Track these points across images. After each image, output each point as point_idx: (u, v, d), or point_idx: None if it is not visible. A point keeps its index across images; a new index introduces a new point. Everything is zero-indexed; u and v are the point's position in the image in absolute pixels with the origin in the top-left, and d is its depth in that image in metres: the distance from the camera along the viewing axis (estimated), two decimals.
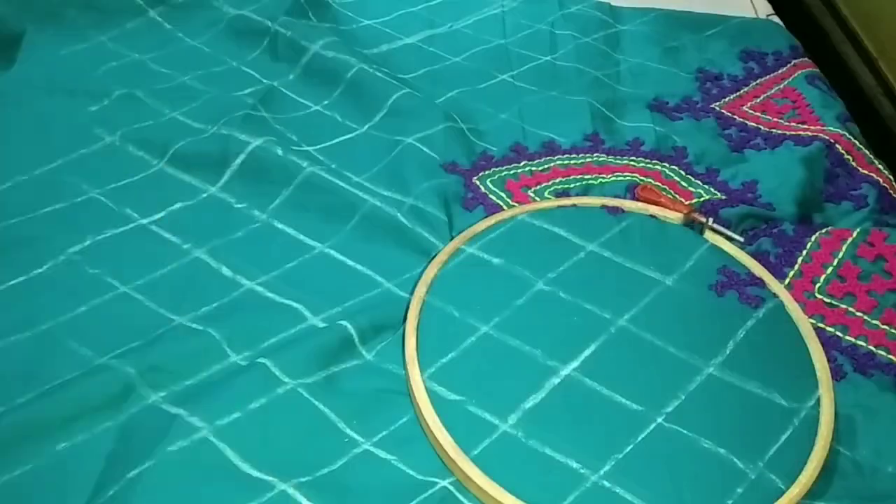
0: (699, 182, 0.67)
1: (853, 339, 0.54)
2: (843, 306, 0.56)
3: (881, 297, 0.56)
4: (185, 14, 0.81)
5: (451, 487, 0.46)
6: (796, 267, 0.59)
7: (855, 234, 0.60)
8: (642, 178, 0.66)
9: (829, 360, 0.53)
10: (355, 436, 0.48)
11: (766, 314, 0.56)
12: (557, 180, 0.66)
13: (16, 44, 0.73)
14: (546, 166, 0.68)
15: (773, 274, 0.58)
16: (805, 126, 0.72)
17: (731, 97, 0.77)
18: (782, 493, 0.46)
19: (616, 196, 0.65)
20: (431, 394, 0.49)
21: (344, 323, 0.52)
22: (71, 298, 0.53)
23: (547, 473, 0.47)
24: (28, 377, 0.48)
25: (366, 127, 0.71)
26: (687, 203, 0.64)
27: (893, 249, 0.59)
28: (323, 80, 0.75)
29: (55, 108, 0.67)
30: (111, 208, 0.60)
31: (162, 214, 0.60)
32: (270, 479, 0.44)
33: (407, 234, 0.60)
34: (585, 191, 0.65)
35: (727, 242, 0.61)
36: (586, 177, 0.67)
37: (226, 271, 0.57)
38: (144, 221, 0.60)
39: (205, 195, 0.63)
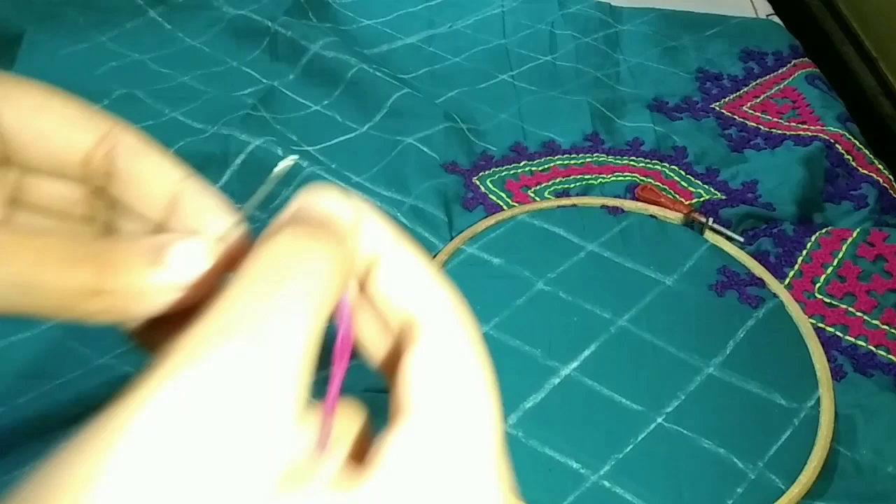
0: (699, 182, 0.67)
1: (853, 339, 0.54)
2: (843, 306, 0.56)
3: (881, 297, 0.56)
4: (185, 14, 0.81)
5: None
6: (796, 267, 0.59)
7: (855, 234, 0.60)
8: (642, 178, 0.66)
9: (829, 360, 0.53)
10: None
11: (766, 314, 0.56)
12: (557, 180, 0.66)
13: (16, 44, 0.73)
14: (546, 166, 0.68)
15: (773, 274, 0.58)
16: (805, 126, 0.72)
17: (731, 97, 0.77)
18: (782, 493, 0.46)
19: (616, 196, 0.65)
20: None
21: None
22: None
23: (547, 473, 0.47)
24: (28, 377, 0.48)
25: (366, 127, 0.71)
26: (687, 203, 0.64)
27: (893, 249, 0.59)
28: (323, 80, 0.75)
29: None
30: None
31: None
32: None
33: (407, 234, 0.60)
34: (585, 191, 0.65)
35: (727, 242, 0.61)
36: (586, 177, 0.67)
37: None
38: None
39: None
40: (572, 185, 0.66)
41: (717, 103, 0.76)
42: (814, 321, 0.56)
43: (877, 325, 0.55)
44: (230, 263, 0.19)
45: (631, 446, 0.48)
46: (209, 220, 0.20)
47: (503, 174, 0.67)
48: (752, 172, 0.67)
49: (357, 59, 0.75)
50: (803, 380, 0.52)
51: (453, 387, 0.18)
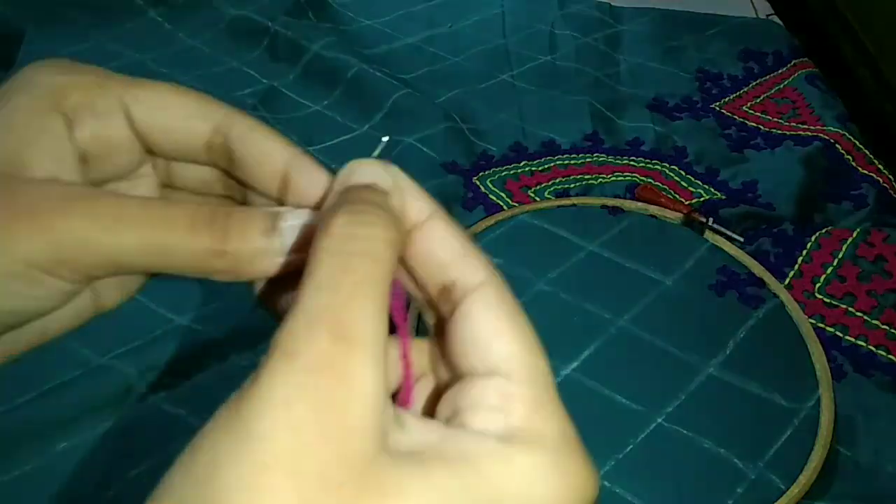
0: (699, 182, 0.67)
1: (853, 339, 0.54)
2: (843, 306, 0.56)
3: (881, 297, 0.56)
4: (185, 14, 0.81)
5: None
6: (796, 267, 0.59)
7: (855, 234, 0.60)
8: (642, 178, 0.66)
9: (829, 360, 0.53)
10: None
11: (766, 314, 0.56)
12: (557, 180, 0.66)
13: (16, 44, 0.73)
14: (546, 166, 0.68)
15: (773, 274, 0.58)
16: (805, 126, 0.72)
17: (731, 97, 0.77)
18: (782, 493, 0.46)
19: (616, 196, 0.65)
20: None
21: None
22: None
23: None
24: (28, 377, 0.48)
25: (366, 127, 0.71)
26: (687, 203, 0.64)
27: (893, 249, 0.59)
28: (323, 80, 0.75)
29: None
30: None
31: None
32: None
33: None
34: (585, 191, 0.65)
35: (727, 242, 0.61)
36: (586, 177, 0.67)
37: None
38: None
39: None
40: (572, 185, 0.66)
41: (717, 103, 0.76)
42: (814, 321, 0.56)
43: (877, 325, 0.55)
44: None
45: (631, 446, 0.48)
46: (315, 194, 0.23)
47: (503, 174, 0.67)
48: (752, 172, 0.67)
49: (357, 59, 0.75)
50: (803, 380, 0.52)
51: (515, 337, 0.19)
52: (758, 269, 0.59)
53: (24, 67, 0.24)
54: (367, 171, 0.21)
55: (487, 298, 0.20)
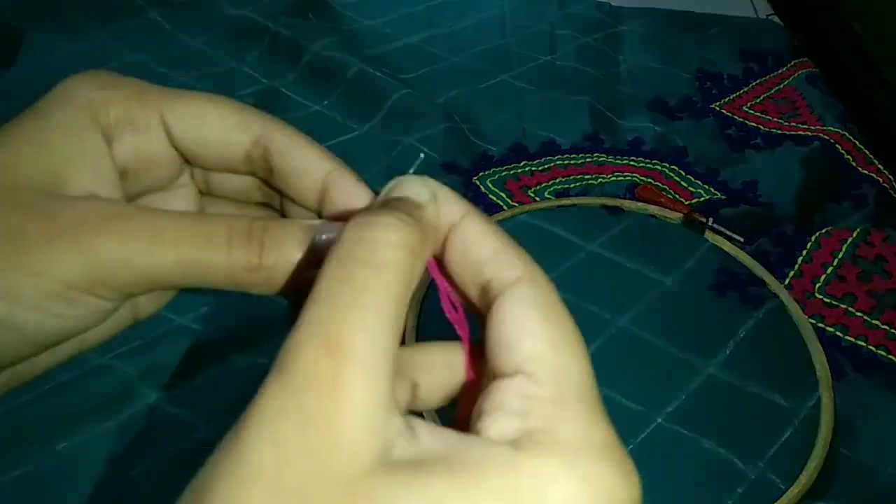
0: (699, 182, 0.67)
1: (853, 339, 0.54)
2: (843, 306, 0.56)
3: (881, 297, 0.56)
4: (185, 14, 0.81)
5: None
6: (796, 267, 0.59)
7: (855, 234, 0.60)
8: (642, 178, 0.66)
9: (829, 360, 0.53)
10: None
11: (766, 314, 0.56)
12: (557, 180, 0.66)
13: (16, 44, 0.73)
14: (546, 166, 0.68)
15: (773, 274, 0.58)
16: (805, 126, 0.72)
17: (731, 97, 0.77)
18: (782, 493, 0.46)
19: (616, 196, 0.65)
20: None
21: None
22: None
23: None
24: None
25: (366, 127, 0.71)
26: (687, 203, 0.64)
27: (893, 249, 0.59)
28: (323, 80, 0.75)
29: None
30: None
31: None
32: None
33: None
34: (585, 191, 0.65)
35: (727, 242, 0.61)
36: (586, 177, 0.67)
37: None
38: None
39: None
40: (572, 185, 0.66)
41: (717, 103, 0.76)
42: (814, 321, 0.56)
43: (877, 325, 0.55)
44: None
45: (630, 446, 0.48)
46: (359, 201, 0.23)
47: (503, 174, 0.67)
48: (752, 172, 0.67)
49: (357, 59, 0.75)
50: (803, 380, 0.52)
51: (544, 336, 0.19)
52: (758, 269, 0.59)
53: (62, 80, 0.24)
54: (404, 185, 0.21)
55: (520, 295, 0.20)
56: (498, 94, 0.76)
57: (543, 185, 0.66)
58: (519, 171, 0.67)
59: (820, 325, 0.55)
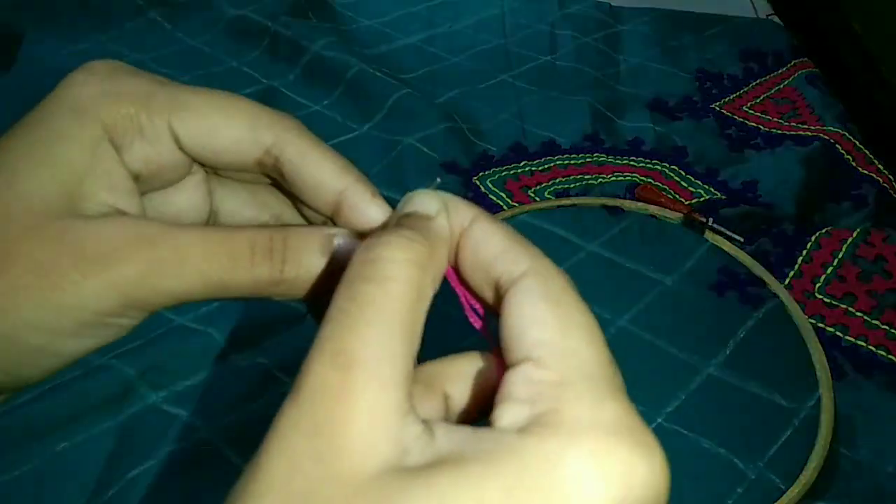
0: (699, 182, 0.67)
1: (853, 339, 0.54)
2: (843, 306, 0.56)
3: (881, 297, 0.56)
4: (185, 14, 0.82)
5: None
6: (796, 267, 0.59)
7: (855, 234, 0.60)
8: (642, 178, 0.66)
9: (829, 360, 0.53)
10: None
11: (766, 314, 0.56)
12: (557, 180, 0.66)
13: (16, 44, 0.73)
14: (546, 166, 0.68)
15: (773, 274, 0.58)
16: (805, 126, 0.72)
17: (731, 97, 0.77)
18: (782, 493, 0.46)
19: (616, 196, 0.65)
20: None
21: None
22: None
23: None
24: None
25: (366, 127, 0.71)
26: (687, 203, 0.64)
27: (893, 249, 0.59)
28: (323, 80, 0.75)
29: None
30: None
31: None
32: None
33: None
34: (585, 191, 0.65)
35: (727, 242, 0.61)
36: (586, 177, 0.67)
37: None
38: None
39: None
40: (572, 185, 0.66)
41: (717, 103, 0.76)
42: (814, 321, 0.56)
43: (877, 325, 0.55)
44: None
45: None
46: (372, 219, 0.23)
47: (503, 174, 0.67)
48: (752, 172, 0.67)
49: (357, 59, 0.75)
50: (803, 380, 0.52)
51: (552, 323, 0.19)
52: (758, 269, 0.59)
53: (65, 80, 0.23)
54: (414, 200, 0.22)
55: (527, 287, 0.20)
56: (498, 94, 0.77)
57: (543, 185, 0.66)
58: (519, 171, 0.67)
59: (820, 325, 0.55)
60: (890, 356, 0.53)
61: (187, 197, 0.25)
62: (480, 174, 0.67)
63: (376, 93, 0.73)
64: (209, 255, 0.21)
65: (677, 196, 0.65)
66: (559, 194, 0.65)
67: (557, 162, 0.68)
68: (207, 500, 0.43)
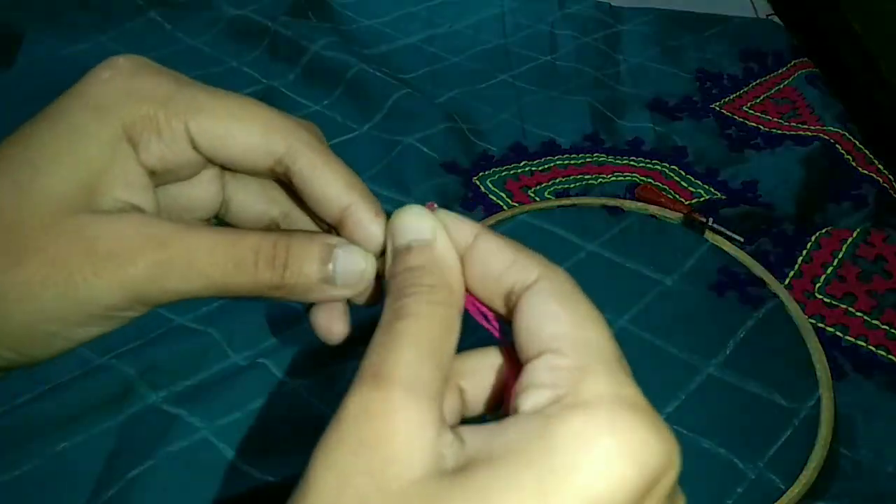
0: (699, 182, 0.67)
1: (853, 339, 0.54)
2: (843, 306, 0.56)
3: (881, 297, 0.56)
4: (185, 14, 0.81)
5: None
6: (796, 267, 0.59)
7: (855, 234, 0.60)
8: (642, 178, 0.66)
9: (829, 360, 0.53)
10: None
11: (766, 314, 0.56)
12: (557, 180, 0.66)
13: (16, 44, 0.73)
14: (546, 166, 0.68)
15: (773, 274, 0.58)
16: (805, 126, 0.72)
17: (731, 97, 0.77)
18: (782, 493, 0.46)
19: (616, 196, 0.65)
20: None
21: None
22: None
23: None
24: (28, 377, 0.48)
25: (366, 127, 0.71)
26: (687, 203, 0.64)
27: (893, 249, 0.59)
28: (323, 80, 0.75)
29: None
30: None
31: None
32: (270, 479, 0.44)
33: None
34: (585, 191, 0.65)
35: (727, 242, 0.61)
36: (586, 177, 0.67)
37: None
38: None
39: None
40: (572, 185, 0.66)
41: (717, 103, 0.76)
42: (814, 321, 0.56)
43: (877, 325, 0.55)
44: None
45: None
46: (372, 237, 0.24)
47: (503, 174, 0.67)
48: (752, 172, 0.67)
49: (357, 59, 0.75)
50: (803, 380, 0.52)
51: (567, 318, 0.21)
52: (758, 269, 0.59)
53: (91, 72, 0.24)
54: (407, 226, 0.23)
55: (541, 290, 0.22)
56: (498, 94, 0.76)
57: (543, 185, 0.66)
58: (519, 171, 0.67)
59: (820, 325, 0.55)
60: (890, 356, 0.53)
61: (201, 189, 0.26)
62: (480, 174, 0.67)
63: (376, 93, 0.73)
64: (215, 261, 0.23)
65: (677, 196, 0.65)
66: (559, 194, 0.65)
67: (557, 162, 0.68)
68: (207, 499, 0.43)
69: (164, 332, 0.52)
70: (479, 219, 0.62)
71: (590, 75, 0.79)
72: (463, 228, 0.23)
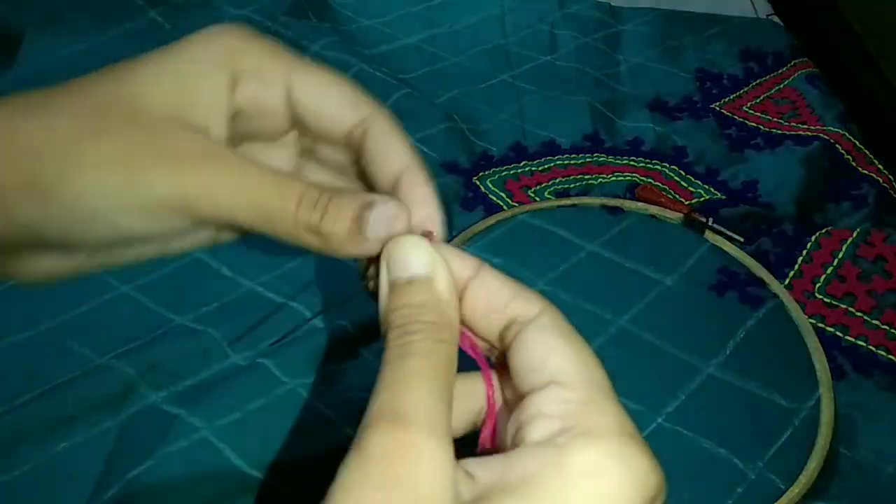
0: (699, 182, 0.67)
1: (853, 339, 0.54)
2: (843, 306, 0.56)
3: (881, 297, 0.56)
4: (185, 14, 0.81)
5: None
6: (796, 267, 0.59)
7: (855, 234, 0.60)
8: (642, 178, 0.66)
9: (829, 360, 0.53)
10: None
11: (766, 314, 0.56)
12: (557, 180, 0.66)
13: (16, 43, 0.73)
14: (546, 166, 0.68)
15: (773, 274, 0.58)
16: (805, 126, 0.72)
17: (731, 97, 0.77)
18: (782, 493, 0.46)
19: (616, 196, 0.65)
20: None
21: (344, 322, 0.53)
22: (71, 298, 0.53)
23: None
24: (28, 377, 0.48)
25: None
26: (687, 203, 0.64)
27: (893, 249, 0.59)
28: None
29: None
30: None
31: None
32: (270, 479, 0.45)
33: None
34: (585, 191, 0.65)
35: (727, 242, 0.61)
36: (586, 177, 0.67)
37: (226, 271, 0.57)
38: None
39: None
40: (572, 185, 0.66)
41: (717, 103, 0.76)
42: (814, 321, 0.56)
43: (877, 325, 0.55)
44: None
45: None
46: (425, 196, 0.26)
47: (503, 174, 0.67)
48: (752, 172, 0.67)
49: (357, 59, 0.75)
50: (803, 380, 0.52)
51: (569, 354, 0.22)
52: (758, 269, 0.59)
53: (208, 27, 0.27)
54: (408, 258, 0.24)
55: (543, 325, 0.23)
56: (498, 94, 0.76)
57: (543, 185, 0.66)
58: (519, 171, 0.67)
59: (820, 325, 0.56)
60: (890, 356, 0.53)
61: (275, 160, 0.28)
62: (480, 174, 0.67)
63: (376, 93, 0.72)
64: (264, 191, 0.24)
65: (677, 196, 0.65)
66: (559, 194, 0.65)
67: (557, 162, 0.68)
68: (207, 499, 0.43)
69: (164, 332, 0.52)
70: (479, 219, 0.62)
71: (590, 75, 0.79)
72: (464, 262, 0.25)
